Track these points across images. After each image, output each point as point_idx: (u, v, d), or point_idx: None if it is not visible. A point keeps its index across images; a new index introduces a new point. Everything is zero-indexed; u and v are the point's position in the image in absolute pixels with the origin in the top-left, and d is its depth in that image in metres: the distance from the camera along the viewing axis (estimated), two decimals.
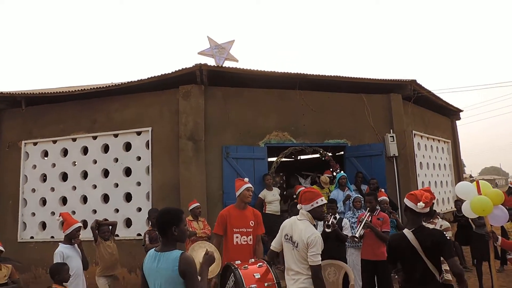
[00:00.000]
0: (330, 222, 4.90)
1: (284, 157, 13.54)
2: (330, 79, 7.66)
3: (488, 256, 4.02)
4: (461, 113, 12.15)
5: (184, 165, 6.81)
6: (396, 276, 4.16)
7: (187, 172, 6.77)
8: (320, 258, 3.05)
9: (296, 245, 3.13)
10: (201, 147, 6.86)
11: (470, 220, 6.13)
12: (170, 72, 6.88)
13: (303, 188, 4.68)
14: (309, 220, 3.24)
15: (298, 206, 3.34)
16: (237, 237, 4.02)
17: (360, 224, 5.08)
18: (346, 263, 5.16)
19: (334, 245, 5.09)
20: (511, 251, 5.27)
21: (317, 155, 9.26)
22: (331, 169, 8.06)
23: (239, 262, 3.50)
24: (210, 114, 7.08)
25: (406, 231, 3.07)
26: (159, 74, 6.94)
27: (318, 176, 8.10)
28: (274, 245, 3.46)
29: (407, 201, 3.15)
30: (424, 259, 2.95)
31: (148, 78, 7.00)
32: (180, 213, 2.58)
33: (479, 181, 3.83)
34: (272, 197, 6.92)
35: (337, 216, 5.48)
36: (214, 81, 7.22)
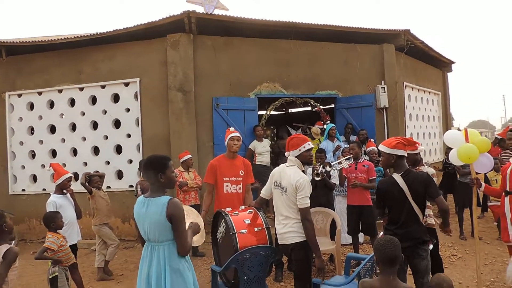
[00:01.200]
0: (319, 171, 4.98)
1: (275, 110, 13.54)
2: (323, 28, 7.46)
3: (471, 203, 4.16)
4: (453, 65, 12.07)
5: (174, 117, 6.75)
6: (382, 221, 4.32)
7: (178, 124, 6.74)
8: (309, 201, 3.11)
9: (285, 190, 3.19)
10: (191, 98, 6.77)
11: (456, 168, 6.30)
12: (157, 19, 6.62)
13: None
14: (297, 166, 3.27)
15: (286, 153, 3.35)
16: (227, 186, 4.09)
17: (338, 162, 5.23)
18: (334, 211, 5.34)
19: (322, 193, 5.23)
20: (493, 196, 5.48)
21: (308, 108, 9.25)
22: (321, 121, 8.08)
23: (229, 209, 3.59)
24: (199, 64, 6.92)
25: (395, 175, 3.17)
26: (146, 22, 6.68)
27: (309, 127, 8.13)
28: (263, 192, 3.52)
29: (398, 151, 3.18)
30: (410, 202, 3.09)
31: (134, 26, 6.73)
32: (166, 160, 2.58)
33: (468, 129, 3.88)
34: (262, 149, 6.97)
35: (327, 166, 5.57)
36: (204, 30, 6.98)
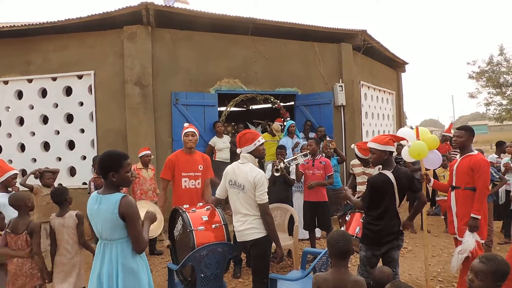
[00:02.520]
0: (279, 167, 5.02)
1: (236, 107, 13.49)
2: (282, 26, 7.51)
3: None
4: (406, 66, 12.61)
5: (131, 111, 6.54)
6: (336, 216, 4.43)
7: (135, 119, 6.53)
8: (267, 196, 3.12)
9: (242, 187, 3.16)
10: (148, 93, 6.58)
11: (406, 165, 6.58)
12: (113, 10, 6.37)
13: None
14: (252, 162, 3.24)
15: (238, 150, 3.31)
16: (185, 181, 4.04)
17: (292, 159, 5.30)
18: (293, 207, 5.41)
19: (281, 189, 5.29)
20: (441, 191, 5.79)
21: (268, 105, 9.31)
22: (281, 117, 8.16)
23: (187, 206, 3.53)
24: (158, 58, 6.73)
25: (387, 172, 3.26)
26: (101, 12, 6.39)
27: (268, 124, 8.18)
28: (218, 192, 3.45)
29: (388, 147, 3.26)
30: (396, 197, 3.25)
31: (88, 16, 6.43)
32: (121, 158, 2.46)
33: (418, 127, 4.06)
34: (222, 145, 6.93)
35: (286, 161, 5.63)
36: (162, 23, 6.79)
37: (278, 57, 7.80)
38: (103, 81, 6.73)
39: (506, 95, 26.63)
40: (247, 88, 7.49)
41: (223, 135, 7.11)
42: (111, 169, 2.41)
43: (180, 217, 3.40)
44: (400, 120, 12.35)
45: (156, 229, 3.25)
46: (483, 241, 3.71)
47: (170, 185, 4.22)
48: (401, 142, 3.74)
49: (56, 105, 6.92)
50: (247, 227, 3.16)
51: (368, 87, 9.73)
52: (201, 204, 3.66)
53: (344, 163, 6.92)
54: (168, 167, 4.07)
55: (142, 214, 2.68)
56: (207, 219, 3.36)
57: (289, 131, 6.99)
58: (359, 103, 8.89)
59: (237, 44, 7.45)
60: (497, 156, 6.17)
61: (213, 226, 3.34)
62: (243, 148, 3.27)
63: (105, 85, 6.72)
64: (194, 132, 4.13)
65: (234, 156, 7.72)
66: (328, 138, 6.49)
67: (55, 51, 6.89)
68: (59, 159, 6.92)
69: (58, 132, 6.93)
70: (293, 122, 7.21)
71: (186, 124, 4.18)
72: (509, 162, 5.76)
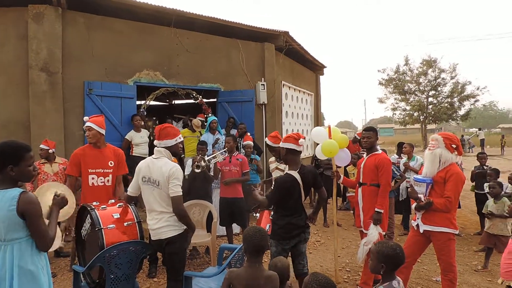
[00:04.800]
0: (200, 164, 4.95)
1: (158, 101, 13.00)
2: (207, 20, 7.41)
3: (332, 193, 4.63)
4: (324, 69, 13.34)
5: (36, 100, 5.91)
6: (253, 213, 4.50)
7: (40, 108, 5.91)
8: (181, 190, 3.03)
9: (157, 183, 3.05)
10: (57, 81, 6.00)
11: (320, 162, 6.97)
12: None
13: None
14: (167, 157, 3.16)
15: (157, 142, 3.20)
16: (93, 178, 3.72)
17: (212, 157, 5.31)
18: (212, 203, 5.38)
19: (201, 185, 5.22)
20: (350, 187, 6.20)
21: (191, 100, 9.14)
22: (203, 113, 8.07)
23: (96, 203, 3.29)
24: (69, 43, 6.18)
25: (293, 173, 3.36)
26: None
27: (190, 119, 8.02)
28: (130, 190, 3.28)
29: (288, 145, 3.40)
30: (302, 193, 3.38)
31: None
32: (22, 149, 2.22)
33: (331, 126, 4.30)
34: (140, 139, 6.61)
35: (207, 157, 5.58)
36: (75, 6, 6.24)
37: (201, 52, 7.68)
38: (2, 64, 5.98)
39: (410, 101, 29.70)
40: (168, 81, 7.26)
41: (142, 129, 6.78)
42: (9, 161, 2.15)
43: (89, 215, 3.16)
44: (318, 120, 13.04)
45: (68, 210, 2.91)
46: (384, 233, 4.06)
47: None
48: (315, 141, 3.93)
49: None
50: (163, 225, 3.06)
51: (289, 87, 10.08)
52: (112, 201, 3.44)
53: (265, 159, 7.08)
54: (73, 163, 3.71)
55: (49, 199, 2.52)
56: (119, 216, 3.17)
57: (210, 127, 6.93)
58: (280, 102, 9.16)
59: (159, 36, 7.17)
60: (397, 156, 6.81)
61: (125, 224, 3.16)
62: (162, 141, 3.17)
63: (5, 69, 5.97)
64: (90, 126, 3.73)
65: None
66: (248, 134, 6.57)
67: None
68: None
69: None
70: (215, 118, 7.17)
71: (85, 118, 3.80)
72: (407, 162, 6.39)
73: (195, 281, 3.31)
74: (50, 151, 5.27)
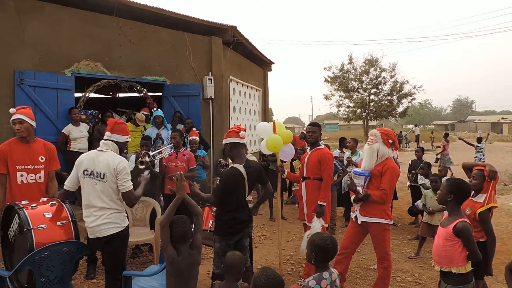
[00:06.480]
0: (144, 159, 4.79)
1: (102, 94, 12.39)
2: (152, 11, 7.15)
3: (277, 187, 4.69)
4: (272, 65, 13.48)
5: None
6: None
7: None
8: (131, 184, 3.00)
9: (102, 177, 2.93)
10: None
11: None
12: None
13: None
14: (114, 151, 3.08)
15: (107, 134, 3.12)
16: (22, 175, 3.45)
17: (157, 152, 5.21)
18: (156, 200, 5.23)
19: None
20: (294, 182, 6.33)
21: (136, 94, 8.82)
22: (148, 107, 7.81)
23: (26, 202, 3.06)
24: None
25: (239, 166, 3.33)
26: None
27: (134, 113, 7.74)
28: (68, 184, 3.10)
29: (231, 139, 3.39)
30: (246, 188, 3.37)
31: None
32: None
33: (276, 122, 4.35)
34: (78, 134, 6.25)
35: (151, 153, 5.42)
36: None
37: (146, 43, 7.41)
38: None
39: (353, 99, 31.02)
40: (110, 73, 6.92)
41: (80, 123, 6.41)
42: None
43: (17, 214, 2.92)
44: (266, 116, 13.16)
45: None
46: (327, 225, 4.21)
47: None
48: (260, 136, 3.95)
49: None
50: (102, 222, 2.95)
51: (237, 82, 10.06)
52: (44, 199, 3.20)
53: (212, 154, 7.01)
54: None
55: None
56: (52, 215, 2.97)
57: (155, 122, 6.73)
58: (227, 97, 9.12)
59: (99, 24, 6.80)
60: (340, 151, 7.08)
61: (59, 223, 2.96)
62: (114, 135, 3.11)
63: None
64: (21, 119, 3.44)
65: (95, 146, 7.07)
66: (194, 129, 6.46)
67: None
68: None
69: None
70: (160, 113, 6.96)
71: (12, 110, 3.50)
72: (350, 156, 6.66)
73: (135, 280, 3.20)
74: None
